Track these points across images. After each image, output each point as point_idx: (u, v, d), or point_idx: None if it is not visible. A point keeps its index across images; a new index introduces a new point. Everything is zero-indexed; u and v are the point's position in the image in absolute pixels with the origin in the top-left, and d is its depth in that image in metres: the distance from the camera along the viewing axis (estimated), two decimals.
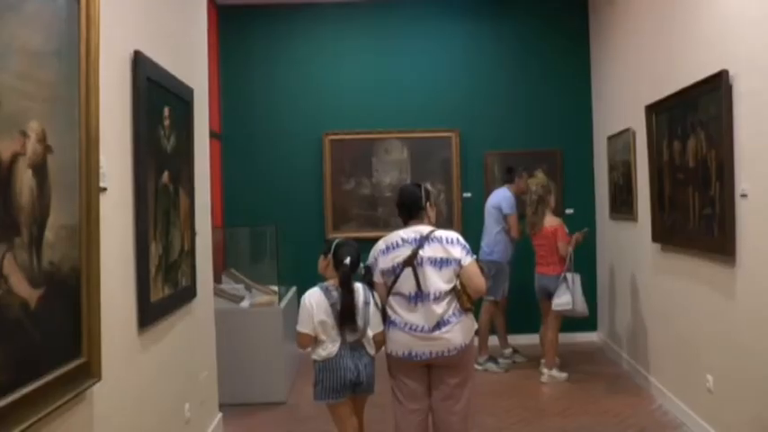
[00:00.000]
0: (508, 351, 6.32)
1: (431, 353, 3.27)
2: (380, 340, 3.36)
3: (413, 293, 3.28)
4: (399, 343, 3.30)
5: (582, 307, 5.61)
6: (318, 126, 6.96)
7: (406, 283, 3.28)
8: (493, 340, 6.26)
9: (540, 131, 7.03)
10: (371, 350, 3.36)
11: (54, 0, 2.15)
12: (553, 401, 5.20)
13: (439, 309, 3.26)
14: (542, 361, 5.78)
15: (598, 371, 5.95)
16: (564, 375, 5.67)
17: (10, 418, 1.81)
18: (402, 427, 3.45)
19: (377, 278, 3.36)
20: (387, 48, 7.06)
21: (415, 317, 3.27)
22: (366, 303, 3.32)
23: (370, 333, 3.32)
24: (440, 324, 3.25)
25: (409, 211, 3.50)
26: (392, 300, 3.33)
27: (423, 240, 3.33)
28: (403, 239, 3.35)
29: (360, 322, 3.28)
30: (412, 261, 3.28)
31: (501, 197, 6.13)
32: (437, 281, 3.28)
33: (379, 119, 6.97)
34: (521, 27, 7.07)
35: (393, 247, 3.35)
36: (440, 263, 3.32)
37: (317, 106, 7.00)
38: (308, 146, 7.01)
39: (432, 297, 3.26)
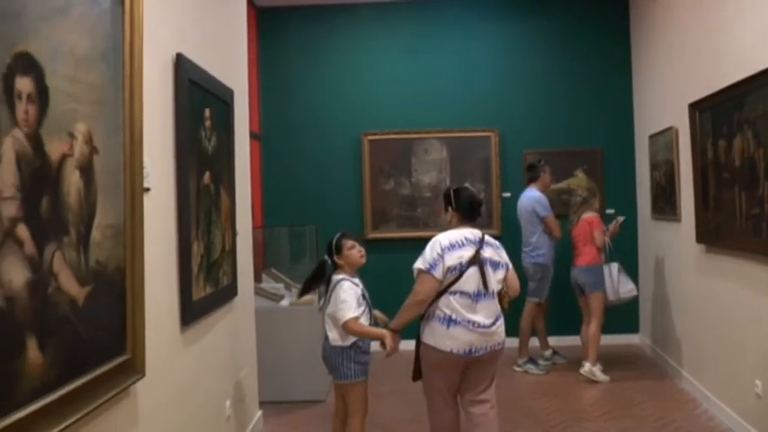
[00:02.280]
0: (548, 353, 6.26)
1: (487, 347, 3.44)
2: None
3: (476, 291, 3.42)
4: (460, 340, 3.39)
5: (627, 292, 5.65)
6: (357, 126, 6.98)
7: (470, 281, 3.41)
8: (533, 342, 6.21)
9: (579, 130, 6.95)
10: None
11: (99, 5, 2.19)
12: (594, 404, 5.12)
13: (495, 306, 3.50)
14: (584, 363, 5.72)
15: (640, 374, 5.85)
16: (605, 378, 5.58)
17: (59, 412, 1.85)
18: (443, 427, 3.54)
19: (437, 274, 3.38)
20: (425, 47, 7.05)
21: (479, 314, 3.41)
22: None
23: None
24: (496, 320, 3.47)
25: (472, 213, 3.66)
26: (451, 298, 3.41)
27: (481, 242, 3.50)
28: (467, 239, 3.48)
29: None
30: (477, 260, 3.42)
31: (533, 200, 6.06)
32: (494, 281, 3.48)
33: (418, 119, 6.96)
34: (559, 25, 7.00)
35: (459, 246, 3.45)
36: (495, 265, 3.51)
37: (356, 106, 7.02)
38: (347, 146, 7.03)
39: (492, 295, 3.47)
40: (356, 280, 3.67)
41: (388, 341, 3.47)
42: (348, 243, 3.72)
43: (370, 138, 6.97)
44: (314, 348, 5.23)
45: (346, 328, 3.51)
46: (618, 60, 6.94)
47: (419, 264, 3.43)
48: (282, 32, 7.09)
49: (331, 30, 7.07)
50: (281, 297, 5.61)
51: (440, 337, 3.40)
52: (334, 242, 3.74)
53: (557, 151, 6.87)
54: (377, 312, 3.79)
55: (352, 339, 3.59)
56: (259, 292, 5.27)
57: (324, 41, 7.08)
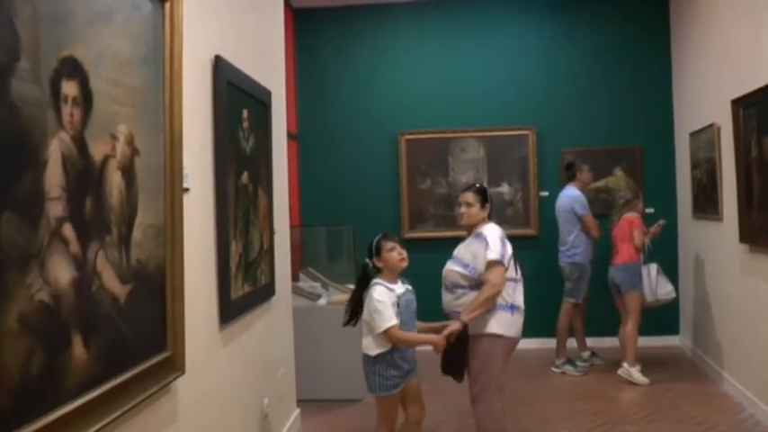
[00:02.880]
0: (586, 354, 6.19)
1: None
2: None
3: (519, 277, 3.71)
4: (519, 325, 3.66)
5: (665, 294, 5.58)
6: (394, 125, 7.00)
7: (513, 268, 3.66)
8: (571, 342, 6.15)
9: (618, 128, 6.86)
10: None
11: (141, 10, 2.24)
12: (633, 407, 5.04)
13: None
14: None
15: (680, 376, 5.75)
16: (644, 380, 5.49)
17: (103, 407, 1.90)
18: (501, 413, 3.63)
19: (506, 264, 3.57)
20: (461, 46, 7.03)
21: (522, 299, 3.71)
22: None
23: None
24: None
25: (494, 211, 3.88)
26: (511, 285, 3.60)
27: None
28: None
29: None
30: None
31: (572, 199, 6.00)
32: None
33: (455, 118, 6.95)
34: (598, 21, 6.92)
35: (506, 238, 3.69)
36: None
37: (393, 106, 7.04)
38: (383, 145, 7.05)
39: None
40: (393, 285, 3.49)
41: (439, 348, 3.41)
42: (388, 245, 3.52)
43: (407, 137, 6.98)
44: (351, 347, 5.27)
45: (391, 339, 3.35)
46: (657, 57, 6.84)
47: (493, 255, 3.50)
48: (319, 33, 7.13)
49: (367, 29, 7.10)
50: (319, 296, 5.65)
51: (507, 324, 3.57)
52: (374, 244, 3.57)
53: (595, 149, 6.80)
54: (420, 324, 3.62)
55: (383, 348, 3.39)
56: (296, 291, 5.32)
57: (360, 41, 7.11)
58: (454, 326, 3.45)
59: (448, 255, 3.87)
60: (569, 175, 6.21)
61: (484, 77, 6.97)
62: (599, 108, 6.89)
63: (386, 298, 3.38)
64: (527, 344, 5.94)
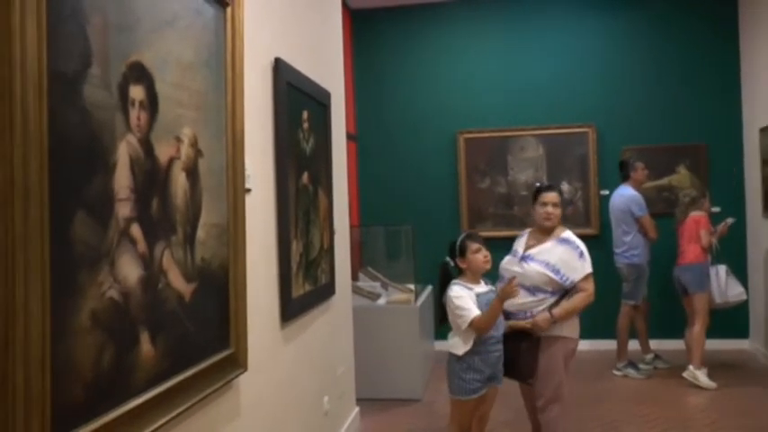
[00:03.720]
0: (649, 357, 6.02)
1: None
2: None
3: None
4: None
5: (736, 296, 5.39)
6: (452, 125, 6.97)
7: None
8: (633, 345, 6.02)
9: (682, 125, 6.68)
10: None
11: (203, 14, 2.29)
12: (699, 412, 4.89)
13: None
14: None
15: (750, 381, 5.55)
16: (711, 384, 5.33)
17: (169, 402, 1.96)
18: (567, 416, 3.72)
19: None
20: (519, 44, 6.96)
21: None
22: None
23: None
24: None
25: None
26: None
27: None
28: None
29: None
30: None
31: (628, 199, 5.84)
32: None
33: (514, 116, 6.89)
34: (660, 13, 6.74)
35: None
36: None
37: (451, 105, 7.01)
38: (442, 145, 7.04)
39: None
40: (474, 285, 3.44)
41: (510, 287, 3.29)
42: (473, 246, 3.44)
43: (466, 136, 6.95)
44: (410, 347, 5.30)
45: (478, 331, 3.30)
46: (724, 50, 6.63)
47: (589, 268, 3.60)
48: (376, 33, 7.17)
49: (424, 28, 7.10)
50: (378, 296, 5.68)
51: (575, 326, 3.64)
52: (457, 243, 3.49)
53: (657, 147, 6.64)
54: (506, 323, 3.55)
55: (469, 346, 3.34)
56: (356, 290, 5.36)
57: (417, 41, 7.11)
58: (543, 321, 3.48)
59: (507, 254, 3.83)
60: (622, 174, 6.05)
61: (542, 74, 6.89)
62: (661, 104, 6.72)
63: (463, 293, 3.37)
64: (587, 345, 5.87)
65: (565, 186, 6.78)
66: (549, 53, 6.90)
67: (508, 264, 3.72)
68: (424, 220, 6.61)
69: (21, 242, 1.36)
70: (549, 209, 3.67)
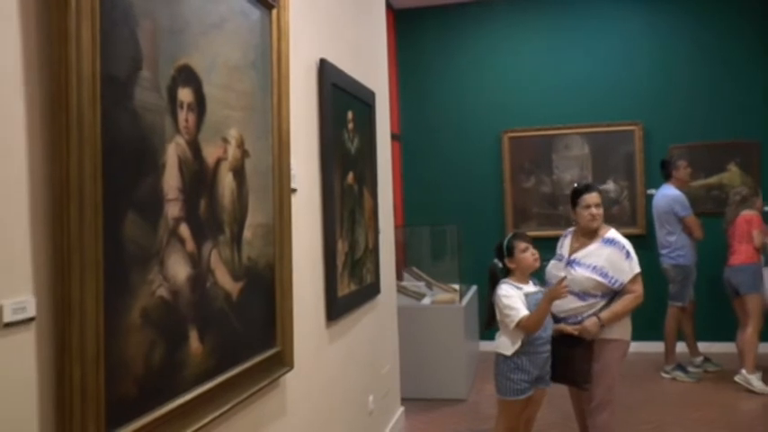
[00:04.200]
0: (698, 359, 5.87)
1: None
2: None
3: None
4: None
5: None
6: (496, 124, 6.92)
7: None
8: (681, 347, 5.88)
9: (732, 121, 6.49)
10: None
11: (249, 17, 2.32)
12: (753, 418, 4.75)
13: None
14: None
15: None
16: (766, 389, 5.16)
17: (216, 399, 1.99)
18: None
19: None
20: (564, 40, 6.86)
21: None
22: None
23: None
24: None
25: None
26: None
27: None
28: None
29: None
30: None
31: (671, 200, 5.69)
32: None
33: (558, 114, 6.80)
34: (708, 8, 6.55)
35: None
36: None
37: (495, 104, 6.96)
38: (486, 144, 6.99)
39: None
40: (522, 284, 3.41)
41: (560, 288, 3.26)
42: (521, 245, 3.40)
43: (510, 135, 6.89)
44: (455, 346, 5.29)
45: (526, 330, 3.28)
46: None
47: (637, 267, 3.51)
48: (420, 33, 7.16)
49: (468, 28, 7.06)
50: (423, 295, 5.67)
51: (628, 329, 3.60)
52: (505, 244, 3.45)
53: (706, 144, 6.48)
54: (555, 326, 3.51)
55: (517, 346, 3.30)
56: (401, 290, 5.36)
57: (461, 40, 7.08)
58: (592, 326, 3.44)
59: (552, 254, 3.79)
60: (664, 173, 5.90)
61: (588, 71, 6.78)
62: (710, 100, 6.53)
63: (512, 293, 3.34)
64: (633, 347, 5.71)
65: (610, 185, 6.67)
66: (594, 50, 6.80)
67: (554, 269, 3.65)
68: (468, 220, 6.58)
69: (76, 243, 1.40)
70: (593, 210, 3.57)
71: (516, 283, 3.41)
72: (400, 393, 4.77)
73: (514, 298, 3.31)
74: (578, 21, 6.84)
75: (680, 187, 5.79)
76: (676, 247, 5.68)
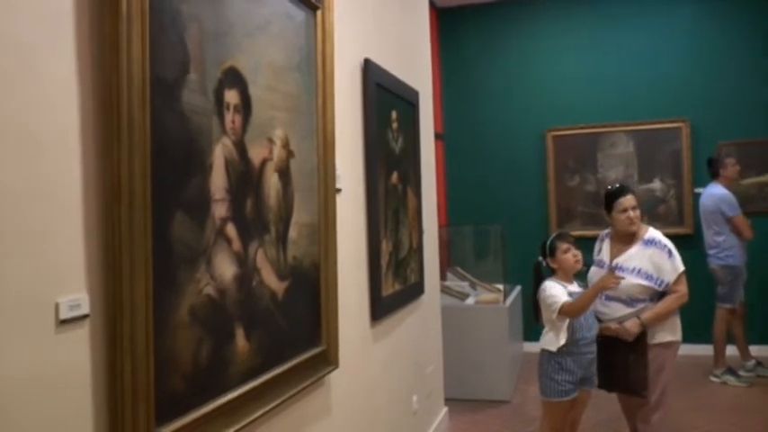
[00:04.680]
0: (750, 363, 5.69)
1: None
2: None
3: None
4: None
5: None
6: (540, 122, 6.85)
7: None
8: (731, 350, 5.74)
9: None
10: None
11: (294, 18, 2.35)
12: None
13: None
14: None
15: None
16: None
17: (262, 396, 2.02)
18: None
19: None
20: (607, 38, 6.74)
21: None
22: None
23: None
24: None
25: None
26: None
27: None
28: None
29: None
30: None
31: (718, 199, 5.52)
32: None
33: (603, 112, 6.69)
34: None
35: None
36: None
37: (539, 102, 6.89)
38: (530, 143, 6.93)
39: None
40: (566, 284, 3.35)
41: (611, 277, 3.22)
42: (563, 246, 3.37)
43: (554, 134, 6.82)
44: (499, 347, 5.25)
45: (568, 315, 3.22)
46: None
47: (681, 266, 3.45)
48: (462, 31, 7.13)
49: (511, 26, 7.01)
50: (466, 295, 5.65)
51: (677, 329, 3.54)
52: (548, 244, 3.43)
53: (758, 141, 6.29)
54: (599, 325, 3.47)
55: (563, 341, 3.23)
56: (444, 290, 5.35)
57: (504, 38, 7.03)
58: (633, 327, 3.40)
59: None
60: (711, 171, 5.74)
61: (633, 68, 6.64)
62: (760, 95, 6.32)
63: (557, 286, 3.30)
64: (681, 350, 5.61)
65: (656, 184, 6.54)
66: (639, 46, 6.66)
67: (596, 276, 3.57)
68: (512, 219, 6.52)
69: (127, 242, 1.44)
70: (630, 214, 3.48)
71: (560, 282, 3.37)
72: (444, 394, 4.76)
73: (557, 288, 3.28)
74: (622, 17, 6.71)
75: (728, 186, 5.63)
76: (724, 248, 5.53)
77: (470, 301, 5.56)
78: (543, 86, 6.91)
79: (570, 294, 3.29)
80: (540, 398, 3.46)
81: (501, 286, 5.69)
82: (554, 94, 6.86)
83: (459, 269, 6.21)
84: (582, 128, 6.74)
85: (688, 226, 6.41)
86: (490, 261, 6.31)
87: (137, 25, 1.46)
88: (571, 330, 3.25)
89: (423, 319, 4.19)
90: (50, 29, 1.33)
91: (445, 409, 4.71)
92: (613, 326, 3.44)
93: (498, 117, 7.02)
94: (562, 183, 6.84)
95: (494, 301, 5.51)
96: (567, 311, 3.22)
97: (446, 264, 6.17)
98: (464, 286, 5.91)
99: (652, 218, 6.32)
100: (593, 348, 3.34)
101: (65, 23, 1.36)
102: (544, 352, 3.36)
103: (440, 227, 5.25)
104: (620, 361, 3.42)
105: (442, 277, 5.51)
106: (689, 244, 6.27)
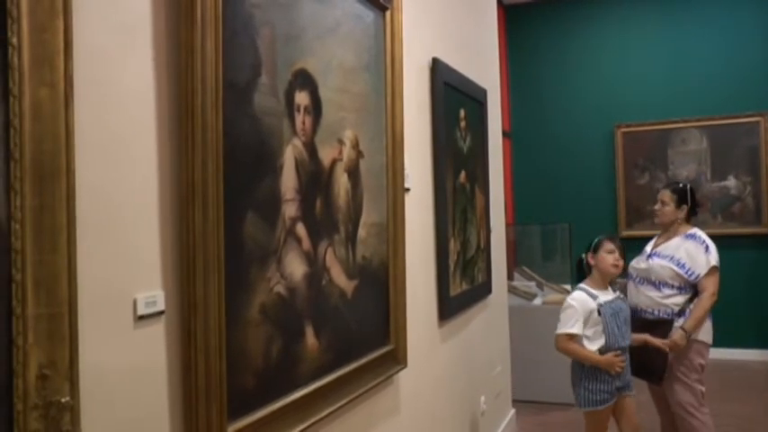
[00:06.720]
0: None
1: None
2: None
3: None
4: None
5: None
6: (609, 119, 6.71)
7: None
8: None
9: None
10: None
11: (363, 20, 2.36)
12: None
13: None
14: None
15: None
16: None
17: (330, 394, 2.04)
18: (713, 425, 3.56)
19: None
20: (676, 31, 6.55)
21: None
22: None
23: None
24: None
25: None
26: None
27: None
28: None
29: None
30: None
31: None
32: None
33: (674, 107, 6.49)
34: None
35: None
36: None
37: (607, 98, 6.75)
38: (598, 140, 6.79)
39: None
40: (598, 291, 3.24)
41: (615, 363, 3.15)
42: (607, 246, 3.29)
43: (624, 130, 6.66)
44: None
45: (556, 345, 3.22)
46: None
47: (716, 261, 3.51)
48: (530, 28, 7.04)
49: (578, 21, 6.88)
50: (534, 295, 5.58)
51: (708, 331, 3.55)
52: (594, 240, 3.40)
53: None
54: (634, 335, 3.36)
55: (594, 348, 3.20)
56: (511, 290, 5.29)
57: (571, 34, 6.91)
58: (680, 339, 3.42)
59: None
60: None
61: (705, 62, 6.42)
62: None
63: (578, 304, 3.19)
64: (755, 355, 5.41)
65: (731, 181, 6.31)
66: (711, 38, 6.43)
67: (636, 262, 3.77)
68: (580, 218, 6.39)
69: (200, 241, 1.47)
70: (657, 206, 3.78)
71: (593, 289, 3.25)
72: (511, 395, 4.71)
73: (575, 309, 3.17)
74: (692, 9, 6.50)
75: None
76: None
77: (538, 301, 5.48)
78: (612, 82, 6.76)
79: (601, 305, 3.17)
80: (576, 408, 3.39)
81: (568, 287, 5.59)
82: (623, 89, 6.71)
83: (527, 269, 6.12)
84: (652, 124, 6.57)
85: (766, 225, 6.15)
86: (557, 261, 6.21)
87: (210, 31, 1.49)
88: (606, 336, 3.17)
89: (490, 319, 4.16)
90: (129, 37, 1.37)
91: (513, 411, 4.66)
92: (658, 342, 3.42)
93: (566, 114, 6.90)
94: (631, 180, 6.68)
95: (561, 301, 5.40)
96: (558, 345, 3.21)
97: (513, 263, 6.10)
98: (531, 286, 5.83)
99: (726, 217, 6.12)
100: (626, 357, 3.24)
101: (142, 31, 1.40)
102: (575, 362, 3.28)
103: (507, 226, 5.19)
104: (640, 348, 3.41)
105: (509, 277, 5.45)
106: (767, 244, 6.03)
